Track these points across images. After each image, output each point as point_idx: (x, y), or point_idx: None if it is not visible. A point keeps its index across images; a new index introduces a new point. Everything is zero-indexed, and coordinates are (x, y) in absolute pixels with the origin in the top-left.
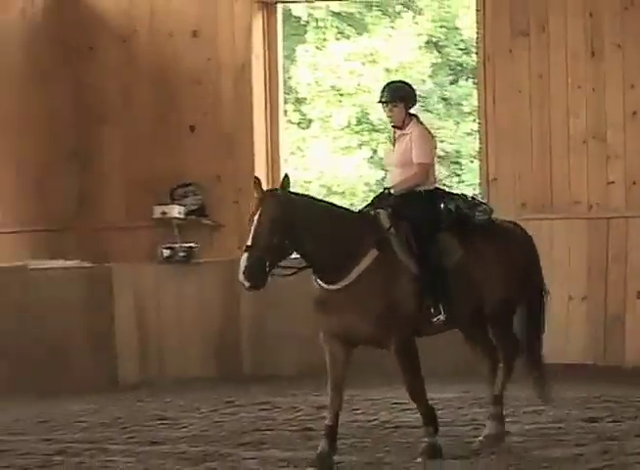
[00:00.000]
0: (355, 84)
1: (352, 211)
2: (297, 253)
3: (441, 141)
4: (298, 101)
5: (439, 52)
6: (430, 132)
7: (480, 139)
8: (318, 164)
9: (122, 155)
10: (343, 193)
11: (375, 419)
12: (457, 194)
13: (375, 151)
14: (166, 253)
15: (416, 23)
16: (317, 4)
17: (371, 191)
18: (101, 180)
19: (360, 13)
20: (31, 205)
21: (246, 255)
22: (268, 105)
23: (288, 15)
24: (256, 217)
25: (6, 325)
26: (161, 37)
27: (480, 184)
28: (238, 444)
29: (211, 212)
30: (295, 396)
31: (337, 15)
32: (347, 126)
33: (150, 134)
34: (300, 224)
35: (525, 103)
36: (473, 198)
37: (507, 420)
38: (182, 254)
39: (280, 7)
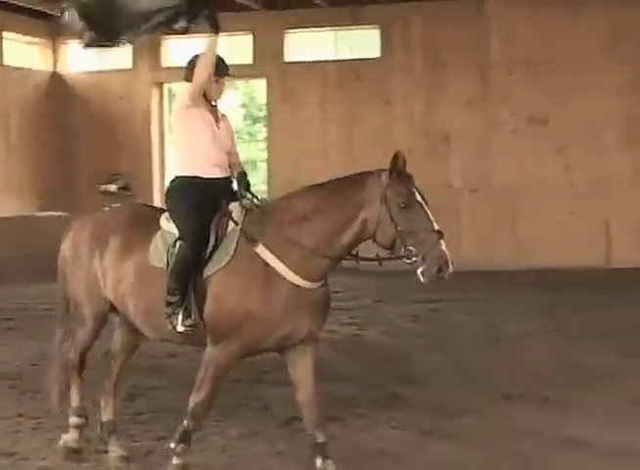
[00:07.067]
0: None
1: None
2: None
3: None
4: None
5: None
6: None
7: None
8: None
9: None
10: None
11: None
12: None
13: None
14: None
15: None
16: None
17: None
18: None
19: None
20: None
21: (444, 242)
22: (156, 137)
23: (170, 92)
24: (423, 202)
25: None
26: (104, 99)
27: None
28: None
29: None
30: None
31: None
32: None
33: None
34: None
35: None
36: None
37: None
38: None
39: (166, 86)
